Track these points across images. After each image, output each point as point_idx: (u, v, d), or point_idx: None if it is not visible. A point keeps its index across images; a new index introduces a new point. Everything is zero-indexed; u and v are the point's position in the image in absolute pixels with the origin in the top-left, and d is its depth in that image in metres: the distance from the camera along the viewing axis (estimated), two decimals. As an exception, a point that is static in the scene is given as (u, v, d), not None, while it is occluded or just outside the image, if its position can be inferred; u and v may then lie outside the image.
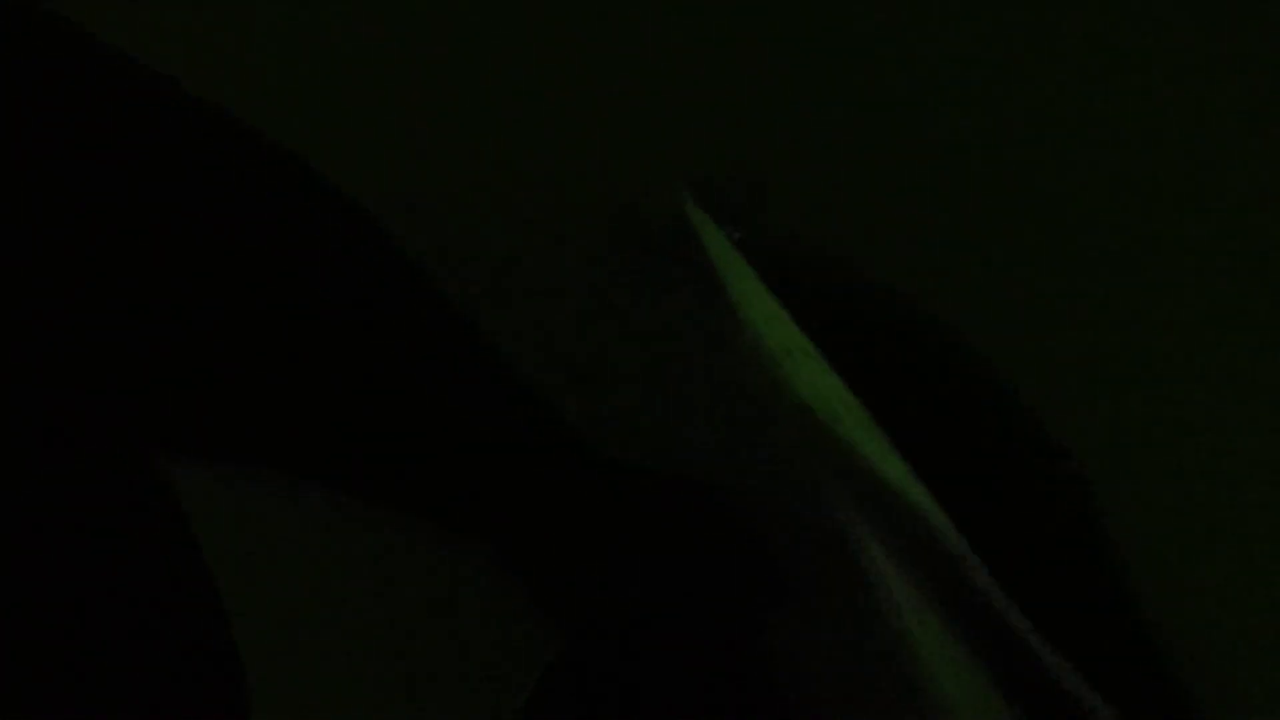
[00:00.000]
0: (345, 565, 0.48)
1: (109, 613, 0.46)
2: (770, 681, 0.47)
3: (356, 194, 0.50)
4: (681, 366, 0.48)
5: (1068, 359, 0.48)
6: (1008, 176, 0.50)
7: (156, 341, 0.50)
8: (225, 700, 0.46)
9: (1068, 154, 0.50)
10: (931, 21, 0.51)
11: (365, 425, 0.50)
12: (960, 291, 0.49)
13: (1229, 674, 0.45)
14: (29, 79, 0.50)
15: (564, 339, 0.49)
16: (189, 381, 0.50)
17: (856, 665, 0.45)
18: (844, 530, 0.44)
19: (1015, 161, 0.50)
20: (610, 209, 0.50)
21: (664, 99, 0.51)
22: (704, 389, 0.48)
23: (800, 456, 0.45)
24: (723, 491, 0.48)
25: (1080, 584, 0.46)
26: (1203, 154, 0.50)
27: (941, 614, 0.42)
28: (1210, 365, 0.48)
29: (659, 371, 0.49)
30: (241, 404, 0.50)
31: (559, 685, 0.47)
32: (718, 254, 0.48)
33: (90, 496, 0.47)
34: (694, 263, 0.48)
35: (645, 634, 0.48)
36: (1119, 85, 0.51)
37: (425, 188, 0.51)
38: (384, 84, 0.51)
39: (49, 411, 0.48)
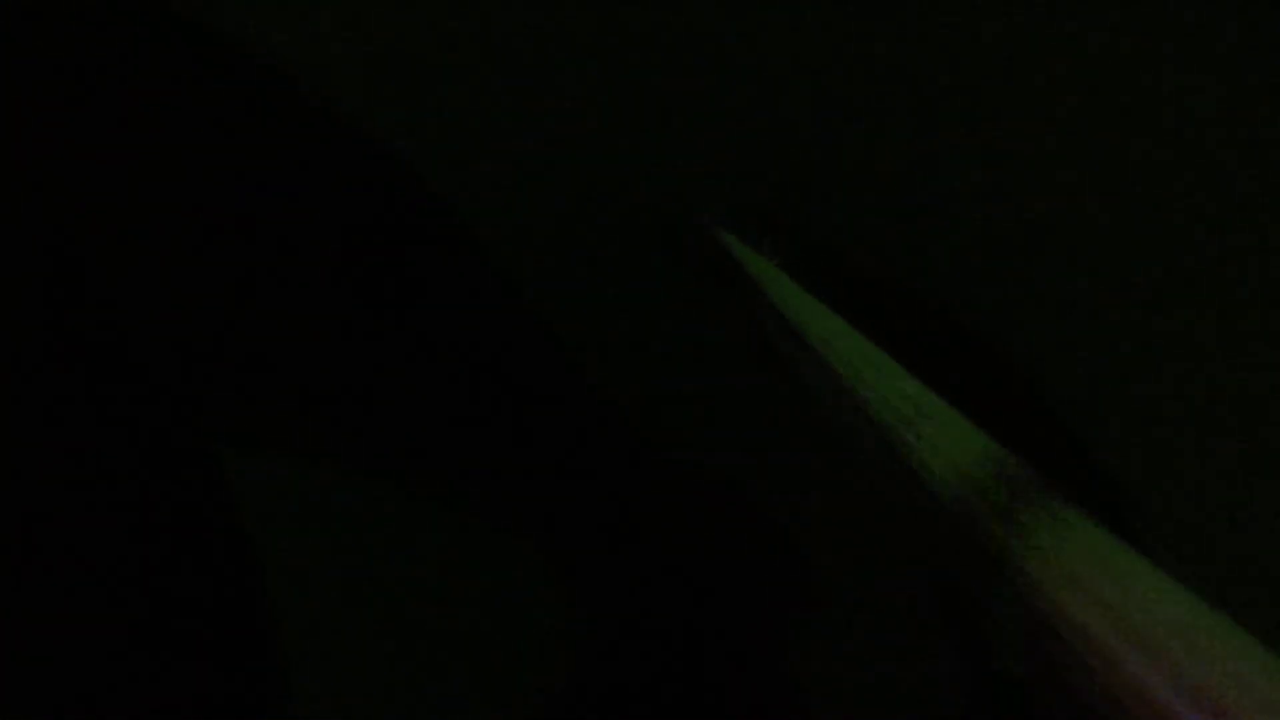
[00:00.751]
0: (374, 547, 0.48)
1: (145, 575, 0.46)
2: (788, 686, 0.46)
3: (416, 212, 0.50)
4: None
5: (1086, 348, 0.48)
6: (1023, 184, 0.50)
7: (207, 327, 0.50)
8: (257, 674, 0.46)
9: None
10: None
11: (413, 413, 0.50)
12: (981, 289, 0.49)
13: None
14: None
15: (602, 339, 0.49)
16: (230, 366, 0.50)
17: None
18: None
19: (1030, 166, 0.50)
20: (644, 231, 0.50)
21: (690, 115, 0.51)
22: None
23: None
24: (754, 494, 0.48)
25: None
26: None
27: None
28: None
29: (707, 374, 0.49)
30: (277, 384, 0.50)
31: (580, 680, 0.46)
32: (768, 281, 0.47)
33: (139, 477, 0.47)
34: (739, 286, 0.48)
35: (668, 631, 0.47)
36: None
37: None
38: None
39: (108, 397, 0.48)
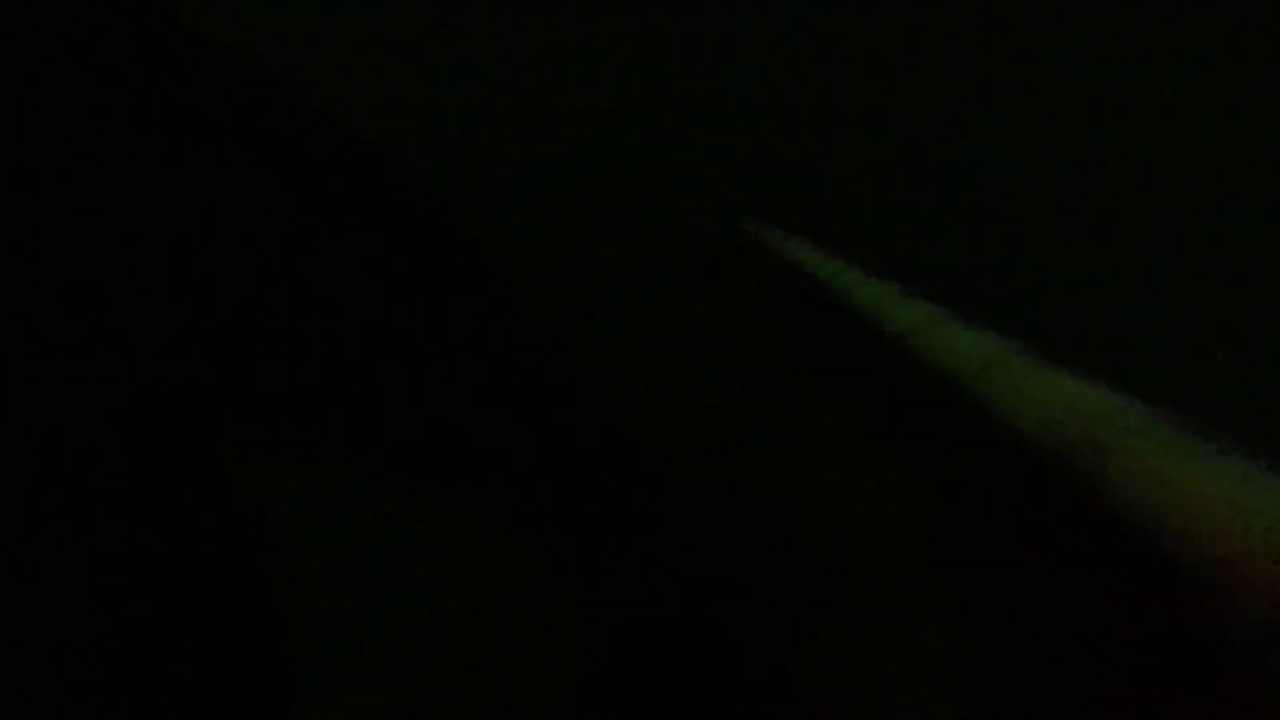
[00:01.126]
0: (389, 551, 0.49)
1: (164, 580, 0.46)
2: (800, 680, 0.47)
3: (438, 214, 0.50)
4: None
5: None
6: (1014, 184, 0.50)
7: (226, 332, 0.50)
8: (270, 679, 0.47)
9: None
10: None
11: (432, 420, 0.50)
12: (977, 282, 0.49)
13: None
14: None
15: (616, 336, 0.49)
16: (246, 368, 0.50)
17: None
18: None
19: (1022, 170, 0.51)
20: (662, 225, 0.50)
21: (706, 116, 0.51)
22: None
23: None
24: (755, 494, 0.48)
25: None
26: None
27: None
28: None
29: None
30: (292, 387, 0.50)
31: (596, 681, 0.47)
32: (805, 260, 0.47)
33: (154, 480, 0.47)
34: (756, 272, 0.48)
35: (680, 632, 0.48)
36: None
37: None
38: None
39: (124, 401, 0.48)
